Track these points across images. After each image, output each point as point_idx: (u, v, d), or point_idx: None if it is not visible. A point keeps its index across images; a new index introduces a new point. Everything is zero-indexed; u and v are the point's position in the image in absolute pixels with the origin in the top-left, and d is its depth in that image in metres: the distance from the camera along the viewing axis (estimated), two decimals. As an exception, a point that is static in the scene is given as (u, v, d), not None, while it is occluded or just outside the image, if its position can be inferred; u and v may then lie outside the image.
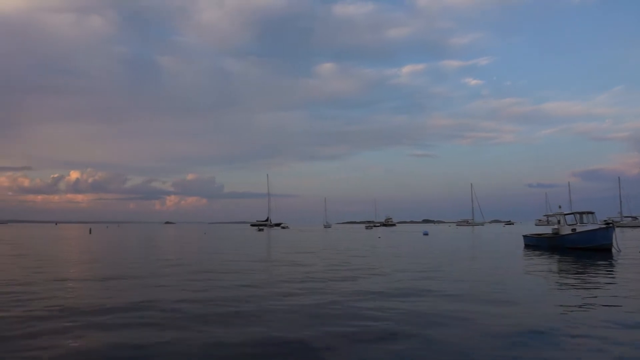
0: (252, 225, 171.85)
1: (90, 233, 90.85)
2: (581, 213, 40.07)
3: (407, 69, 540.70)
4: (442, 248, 43.77)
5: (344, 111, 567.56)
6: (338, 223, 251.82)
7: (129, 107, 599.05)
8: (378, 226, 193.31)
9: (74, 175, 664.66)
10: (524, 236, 48.70)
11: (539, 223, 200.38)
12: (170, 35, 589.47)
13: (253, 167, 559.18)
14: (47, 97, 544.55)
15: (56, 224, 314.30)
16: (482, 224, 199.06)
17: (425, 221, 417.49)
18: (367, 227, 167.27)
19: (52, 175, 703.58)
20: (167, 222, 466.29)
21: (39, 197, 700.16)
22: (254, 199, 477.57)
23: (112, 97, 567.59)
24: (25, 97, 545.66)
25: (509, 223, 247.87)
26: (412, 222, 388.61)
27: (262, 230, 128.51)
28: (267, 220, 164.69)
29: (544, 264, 26.87)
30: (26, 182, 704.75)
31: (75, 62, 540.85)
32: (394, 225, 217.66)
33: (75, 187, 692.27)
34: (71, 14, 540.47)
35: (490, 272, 22.39)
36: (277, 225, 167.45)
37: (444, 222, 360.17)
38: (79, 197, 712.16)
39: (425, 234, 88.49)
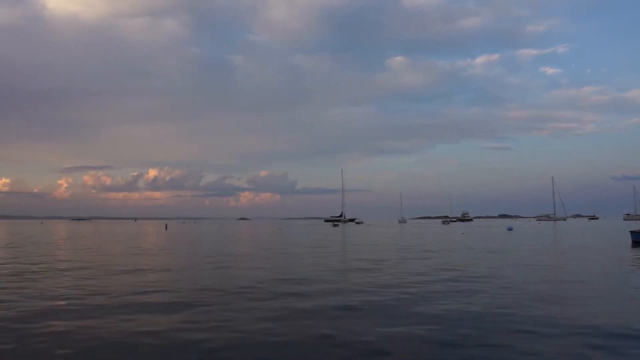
0: (326, 220, 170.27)
1: (166, 229, 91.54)
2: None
3: (480, 59, 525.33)
4: (549, 245, 40.09)
5: (417, 104, 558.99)
6: (411, 218, 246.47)
7: (204, 106, 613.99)
8: (454, 221, 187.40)
9: (152, 173, 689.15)
10: (632, 232, 44.01)
11: (627, 217, 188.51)
12: (242, 35, 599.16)
13: (325, 163, 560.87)
14: (125, 98, 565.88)
15: (135, 220, 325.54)
16: (564, 219, 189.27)
17: (502, 216, 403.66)
18: (443, 223, 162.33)
19: (131, 174, 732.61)
20: (241, 218, 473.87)
21: (120, 195, 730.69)
22: (326, 195, 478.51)
23: (186, 97, 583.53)
24: (105, 100, 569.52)
25: (593, 218, 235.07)
26: (487, 217, 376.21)
27: (337, 225, 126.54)
28: (340, 215, 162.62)
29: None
30: (108, 181, 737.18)
31: (151, 64, 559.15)
32: (470, 220, 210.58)
33: (154, 185, 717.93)
34: (146, 18, 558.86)
35: None
36: (351, 220, 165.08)
37: (521, 217, 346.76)
38: (157, 194, 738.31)
39: (510, 229, 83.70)
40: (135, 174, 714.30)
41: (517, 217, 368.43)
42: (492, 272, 20.91)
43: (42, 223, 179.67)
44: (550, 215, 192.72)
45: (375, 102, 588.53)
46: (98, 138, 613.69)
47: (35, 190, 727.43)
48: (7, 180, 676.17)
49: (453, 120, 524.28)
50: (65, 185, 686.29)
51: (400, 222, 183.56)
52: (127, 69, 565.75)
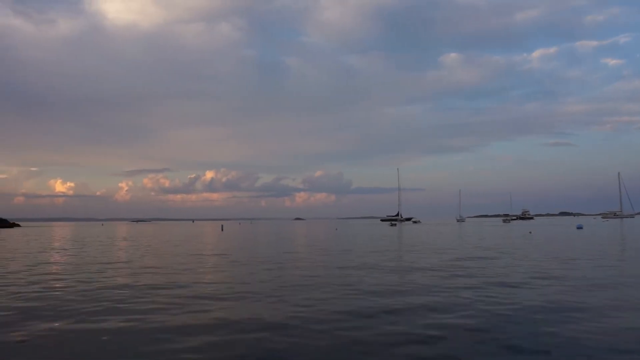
0: (383, 220, 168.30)
1: (222, 230, 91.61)
2: None
3: (537, 53, 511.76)
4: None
5: (472, 101, 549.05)
6: (468, 216, 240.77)
7: (259, 108, 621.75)
8: (514, 219, 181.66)
9: (209, 175, 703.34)
10: None
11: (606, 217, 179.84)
12: (295, 36, 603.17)
13: (380, 162, 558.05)
14: (183, 102, 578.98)
15: (193, 222, 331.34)
16: (632, 216, 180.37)
17: (563, 214, 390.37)
18: (504, 221, 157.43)
19: (189, 176, 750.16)
20: (296, 218, 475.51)
21: (178, 197, 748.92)
22: (381, 194, 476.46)
23: (242, 99, 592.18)
24: (163, 104, 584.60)
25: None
26: (547, 214, 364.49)
27: (394, 225, 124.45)
28: (397, 215, 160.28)
29: None
30: (166, 183, 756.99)
31: (207, 68, 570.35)
32: (531, 218, 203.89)
33: (211, 186, 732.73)
34: (201, 24, 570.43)
35: None
36: (408, 219, 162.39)
37: (583, 215, 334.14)
38: (214, 195, 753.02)
39: (579, 227, 79.77)
40: (192, 176, 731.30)
41: (578, 214, 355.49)
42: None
43: (102, 225, 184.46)
44: (617, 213, 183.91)
45: (430, 100, 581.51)
46: (157, 141, 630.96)
47: (97, 194, 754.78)
48: (72, 184, 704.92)
49: (509, 116, 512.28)
50: (125, 188, 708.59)
51: (458, 220, 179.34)
52: (184, 74, 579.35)
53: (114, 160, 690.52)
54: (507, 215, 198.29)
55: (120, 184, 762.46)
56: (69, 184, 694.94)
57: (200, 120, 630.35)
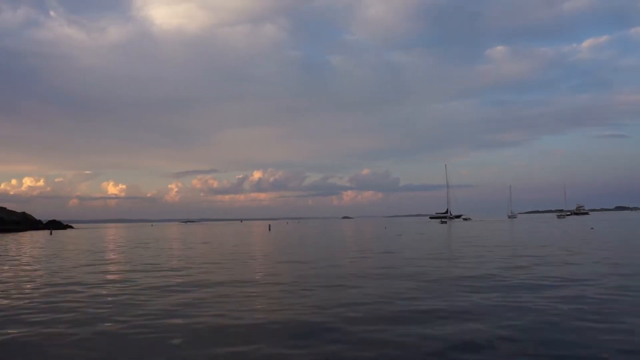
0: (432, 217, 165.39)
1: (269, 230, 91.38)
2: None
3: (587, 43, 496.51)
4: None
5: (520, 95, 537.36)
6: (520, 213, 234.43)
7: (304, 107, 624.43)
8: (569, 215, 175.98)
9: (257, 175, 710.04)
10: None
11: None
12: (339, 35, 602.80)
13: (427, 159, 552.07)
14: (230, 104, 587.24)
15: (241, 221, 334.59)
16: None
17: (619, 208, 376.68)
18: (558, 217, 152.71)
19: (237, 176, 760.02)
20: (344, 217, 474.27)
21: (226, 197, 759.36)
22: (429, 191, 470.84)
23: (288, 99, 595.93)
24: (211, 106, 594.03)
25: None
26: (602, 209, 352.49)
27: (445, 222, 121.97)
28: (446, 212, 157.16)
29: None
30: (215, 184, 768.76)
31: (253, 69, 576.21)
32: (586, 213, 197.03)
33: (258, 186, 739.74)
34: (246, 26, 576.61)
35: None
36: (457, 217, 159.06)
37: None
38: (262, 195, 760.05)
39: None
40: (240, 176, 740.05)
41: (635, 208, 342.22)
42: None
43: (152, 225, 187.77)
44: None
45: (477, 94, 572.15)
46: (205, 143, 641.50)
47: (148, 195, 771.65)
48: (124, 186, 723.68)
49: (559, 109, 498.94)
50: (175, 189, 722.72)
51: (510, 217, 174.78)
52: (231, 76, 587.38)
53: (164, 162, 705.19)
54: (561, 210, 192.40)
55: (170, 186, 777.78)
56: (120, 186, 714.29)
57: (247, 121, 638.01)
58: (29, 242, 58.39)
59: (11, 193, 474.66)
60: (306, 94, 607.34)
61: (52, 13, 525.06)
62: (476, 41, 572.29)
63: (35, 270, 24.59)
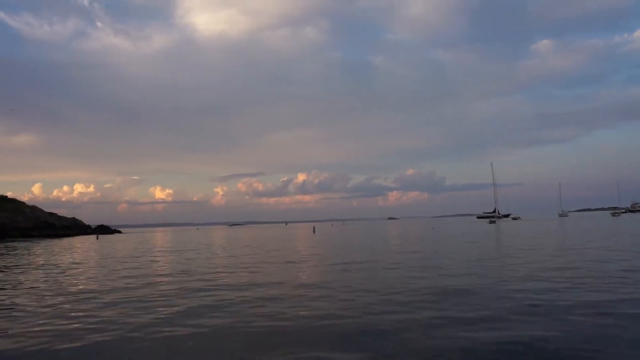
0: (479, 217, 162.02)
1: (314, 232, 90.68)
2: None
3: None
4: None
5: (569, 89, 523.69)
6: (571, 211, 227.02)
7: (348, 108, 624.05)
8: (624, 212, 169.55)
9: (301, 177, 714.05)
10: None
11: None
12: (381, 34, 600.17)
13: (473, 158, 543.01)
14: (273, 107, 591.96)
15: (286, 224, 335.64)
16: None
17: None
18: (613, 215, 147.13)
19: (281, 179, 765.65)
20: (389, 218, 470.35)
21: (271, 200, 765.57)
22: (475, 190, 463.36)
23: (331, 100, 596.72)
24: (254, 109, 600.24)
25: None
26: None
27: (494, 222, 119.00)
28: (494, 211, 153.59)
29: None
30: (260, 187, 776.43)
31: (295, 72, 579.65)
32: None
33: (303, 189, 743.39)
34: (287, 29, 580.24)
35: None
36: (506, 216, 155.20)
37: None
38: (307, 197, 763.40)
39: None
40: (285, 179, 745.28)
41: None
42: None
43: (197, 229, 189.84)
44: None
45: (523, 90, 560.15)
46: (249, 146, 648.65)
47: (194, 199, 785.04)
48: (171, 191, 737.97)
49: (610, 102, 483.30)
50: (221, 193, 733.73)
51: (560, 215, 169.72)
52: (273, 79, 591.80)
53: (210, 166, 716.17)
54: (615, 208, 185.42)
55: (215, 189, 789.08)
56: (167, 190, 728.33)
57: (290, 123, 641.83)
58: (74, 246, 59.23)
59: (63, 199, 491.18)
60: (349, 95, 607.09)
61: (98, 23, 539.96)
62: (520, 36, 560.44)
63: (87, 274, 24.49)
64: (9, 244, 69.45)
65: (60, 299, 16.92)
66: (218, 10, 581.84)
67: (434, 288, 16.83)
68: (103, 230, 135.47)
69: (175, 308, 14.50)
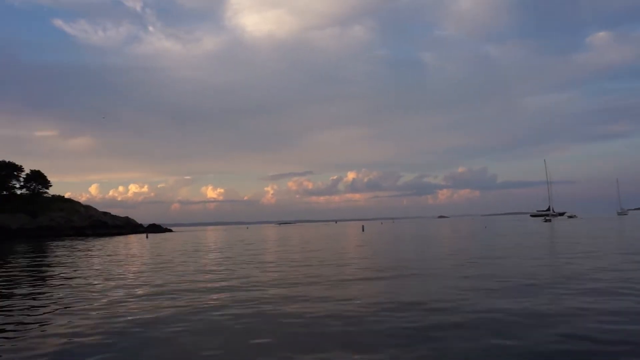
0: (533, 215, 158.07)
1: (362, 231, 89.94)
2: None
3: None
4: None
5: (626, 82, 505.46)
6: (630, 209, 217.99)
7: (396, 106, 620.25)
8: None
9: (351, 176, 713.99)
10: None
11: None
12: (429, 31, 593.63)
13: (526, 155, 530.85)
14: (321, 106, 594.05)
15: (336, 222, 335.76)
16: None
17: None
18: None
19: (331, 177, 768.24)
20: (440, 216, 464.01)
21: (321, 198, 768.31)
22: (528, 188, 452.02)
23: (379, 99, 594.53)
24: (303, 109, 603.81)
25: None
26: None
27: (549, 220, 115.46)
28: (548, 209, 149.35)
29: None
30: (310, 185, 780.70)
31: (343, 71, 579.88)
32: None
33: (353, 187, 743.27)
34: (334, 28, 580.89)
35: None
36: (561, 214, 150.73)
37: None
38: (356, 196, 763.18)
39: None
40: (334, 177, 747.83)
41: None
42: None
43: (247, 228, 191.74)
44: None
45: (578, 84, 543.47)
46: (299, 145, 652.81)
47: (245, 198, 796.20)
48: (222, 190, 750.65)
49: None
50: (271, 191, 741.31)
51: (619, 214, 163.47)
52: (321, 78, 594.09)
53: (260, 165, 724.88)
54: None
55: (266, 188, 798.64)
56: (219, 190, 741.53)
57: (339, 122, 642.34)
58: (121, 244, 60.34)
59: (119, 199, 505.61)
60: (398, 93, 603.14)
61: (150, 28, 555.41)
62: (575, 28, 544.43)
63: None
64: (57, 242, 71.27)
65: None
66: (266, 10, 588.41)
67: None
68: (154, 229, 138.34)
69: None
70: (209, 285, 19.67)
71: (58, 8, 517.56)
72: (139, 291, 18.50)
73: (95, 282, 21.66)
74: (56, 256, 41.21)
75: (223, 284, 19.92)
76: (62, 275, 25.25)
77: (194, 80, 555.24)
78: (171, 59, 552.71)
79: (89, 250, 48.96)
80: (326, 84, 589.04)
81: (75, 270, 27.59)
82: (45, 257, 41.21)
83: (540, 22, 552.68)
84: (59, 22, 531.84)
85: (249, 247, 48.96)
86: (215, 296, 16.73)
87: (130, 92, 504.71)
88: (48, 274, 26.52)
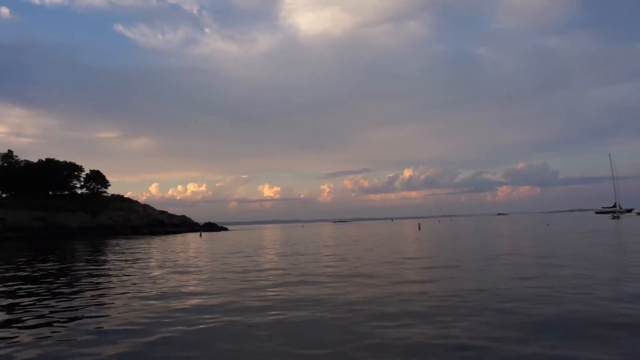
0: (598, 212, 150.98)
1: (419, 229, 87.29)
2: None
3: None
4: None
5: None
6: None
7: (453, 102, 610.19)
8: None
9: (407, 173, 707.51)
10: None
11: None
12: (486, 25, 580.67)
13: (588, 149, 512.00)
14: (377, 103, 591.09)
15: (392, 220, 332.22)
16: None
17: None
18: None
19: (387, 175, 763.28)
20: (499, 214, 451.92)
21: (377, 196, 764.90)
22: (591, 184, 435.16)
23: (435, 95, 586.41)
24: (358, 106, 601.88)
25: None
26: None
27: (617, 217, 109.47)
28: (614, 206, 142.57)
29: None
30: (366, 183, 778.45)
31: (398, 67, 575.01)
32: None
33: (409, 185, 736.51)
34: (389, 24, 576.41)
35: None
36: (629, 211, 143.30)
37: None
38: (413, 193, 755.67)
39: None
40: (391, 175, 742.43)
41: None
42: None
43: (302, 227, 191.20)
44: None
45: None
46: (355, 143, 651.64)
47: (301, 196, 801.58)
48: (278, 189, 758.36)
49: None
50: (327, 190, 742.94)
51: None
52: (377, 75, 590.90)
53: (316, 163, 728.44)
54: None
55: (322, 186, 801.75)
56: (275, 188, 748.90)
57: (395, 119, 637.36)
58: (174, 243, 60.31)
59: (178, 198, 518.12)
60: (454, 88, 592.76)
61: (207, 30, 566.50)
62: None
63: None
64: (113, 240, 72.25)
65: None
66: (321, 9, 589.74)
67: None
68: (210, 227, 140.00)
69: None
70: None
71: (119, 14, 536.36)
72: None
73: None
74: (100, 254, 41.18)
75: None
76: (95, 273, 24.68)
77: (249, 80, 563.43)
78: (227, 60, 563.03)
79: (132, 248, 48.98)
80: (382, 81, 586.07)
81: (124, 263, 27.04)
82: (99, 255, 41.27)
83: (604, 11, 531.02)
84: (119, 27, 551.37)
85: (298, 246, 47.81)
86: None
87: (188, 93, 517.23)
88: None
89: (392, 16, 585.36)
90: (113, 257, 37.70)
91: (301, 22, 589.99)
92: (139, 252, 43.43)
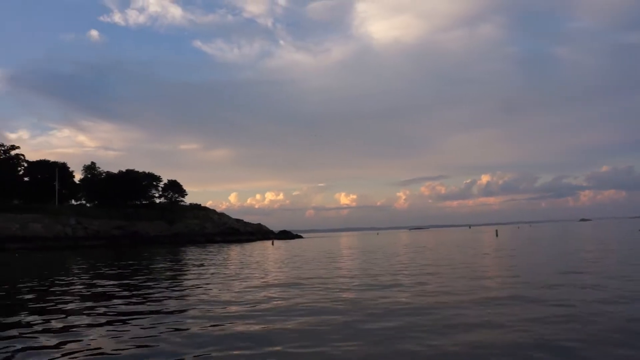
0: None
1: (496, 236, 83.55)
2: None
3: None
4: None
5: None
6: None
7: (530, 104, 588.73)
8: None
9: (485, 179, 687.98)
10: None
11: None
12: (562, 23, 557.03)
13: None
14: (451, 108, 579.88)
15: (469, 227, 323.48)
16: None
17: None
18: None
19: (464, 181, 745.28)
20: (582, 220, 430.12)
21: (454, 203, 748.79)
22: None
23: (510, 98, 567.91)
24: (433, 112, 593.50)
25: None
26: None
27: None
28: None
29: None
30: (442, 190, 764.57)
31: (472, 71, 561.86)
32: None
33: (487, 190, 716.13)
34: (461, 29, 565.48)
35: None
36: None
37: None
38: (491, 199, 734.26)
39: None
40: (468, 181, 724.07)
41: None
42: None
43: (377, 234, 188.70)
44: None
45: None
46: (431, 149, 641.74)
47: (377, 204, 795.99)
48: (355, 196, 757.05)
49: None
50: (403, 197, 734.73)
51: None
52: (450, 80, 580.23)
53: (392, 170, 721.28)
54: None
55: (398, 194, 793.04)
56: (351, 196, 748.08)
57: (471, 123, 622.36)
58: (241, 250, 60.46)
59: (256, 207, 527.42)
60: (530, 90, 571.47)
61: (281, 42, 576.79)
62: None
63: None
64: (184, 248, 73.41)
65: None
66: (393, 17, 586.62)
67: None
68: (285, 235, 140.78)
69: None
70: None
71: (197, 30, 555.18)
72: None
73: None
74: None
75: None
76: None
77: (325, 90, 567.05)
78: (302, 71, 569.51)
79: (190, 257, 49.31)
80: (456, 86, 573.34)
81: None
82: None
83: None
84: (197, 43, 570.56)
85: (377, 258, 46.59)
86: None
87: (265, 105, 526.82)
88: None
89: (464, 20, 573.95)
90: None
91: (374, 31, 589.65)
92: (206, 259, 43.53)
